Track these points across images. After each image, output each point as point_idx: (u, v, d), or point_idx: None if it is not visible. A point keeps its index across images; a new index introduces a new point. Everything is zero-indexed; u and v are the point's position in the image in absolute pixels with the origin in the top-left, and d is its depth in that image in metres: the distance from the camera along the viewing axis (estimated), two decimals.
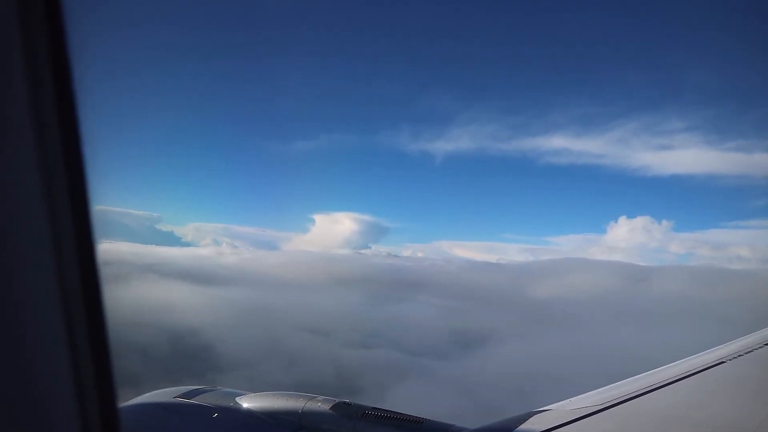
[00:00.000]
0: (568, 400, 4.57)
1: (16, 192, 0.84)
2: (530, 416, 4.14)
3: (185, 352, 44.32)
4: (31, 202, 0.86)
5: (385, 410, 4.19)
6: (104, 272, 0.99)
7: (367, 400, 4.52)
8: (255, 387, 4.81)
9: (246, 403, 4.30)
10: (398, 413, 4.16)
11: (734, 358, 5.78)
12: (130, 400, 4.44)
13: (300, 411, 4.14)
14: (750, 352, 6.04)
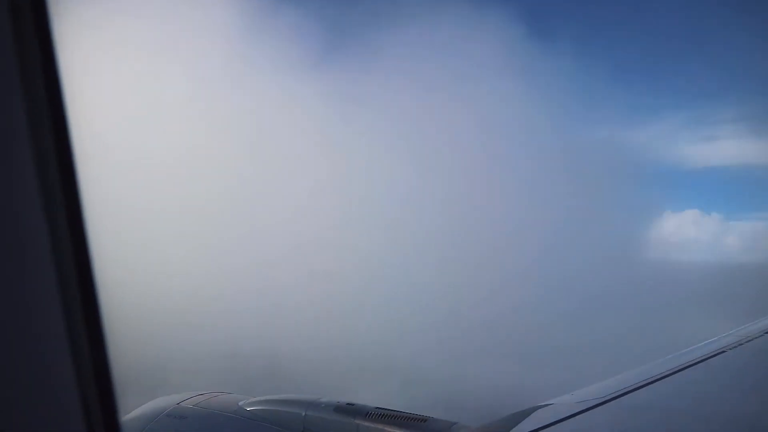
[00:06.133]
0: (570, 393, 4.58)
1: (14, 191, 0.85)
2: (533, 411, 4.14)
3: None
4: (29, 200, 0.87)
5: (388, 410, 4.20)
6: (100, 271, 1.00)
7: None
8: None
9: (249, 408, 4.32)
10: (401, 412, 4.17)
11: (735, 347, 5.78)
12: (133, 410, 4.45)
13: (303, 413, 4.16)
14: (751, 340, 6.03)
